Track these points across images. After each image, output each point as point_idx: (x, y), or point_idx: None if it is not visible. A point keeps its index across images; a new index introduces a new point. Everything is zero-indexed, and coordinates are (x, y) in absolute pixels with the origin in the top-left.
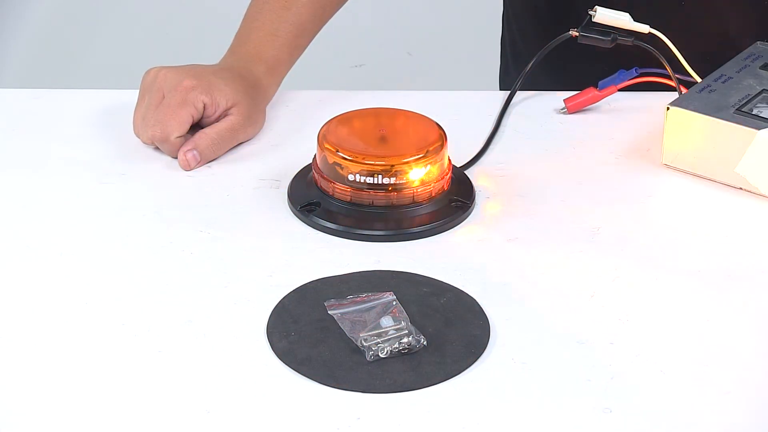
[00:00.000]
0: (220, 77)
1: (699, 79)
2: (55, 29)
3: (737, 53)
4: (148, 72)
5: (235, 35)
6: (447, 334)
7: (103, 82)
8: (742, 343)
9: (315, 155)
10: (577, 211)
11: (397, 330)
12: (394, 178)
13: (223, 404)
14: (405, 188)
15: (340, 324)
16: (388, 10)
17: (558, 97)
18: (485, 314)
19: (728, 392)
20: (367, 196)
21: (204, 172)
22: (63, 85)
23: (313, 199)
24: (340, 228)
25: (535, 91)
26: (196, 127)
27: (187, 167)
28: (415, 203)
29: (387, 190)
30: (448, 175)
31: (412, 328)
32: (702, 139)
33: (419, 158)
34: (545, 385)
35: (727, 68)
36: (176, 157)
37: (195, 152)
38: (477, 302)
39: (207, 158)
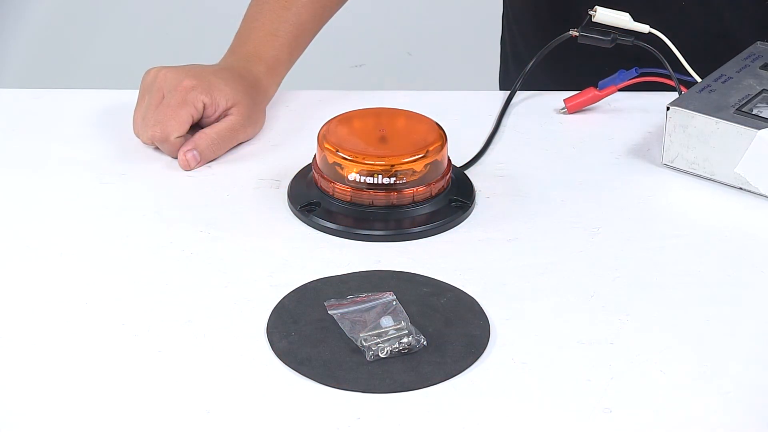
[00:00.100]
0: (220, 77)
1: (699, 79)
2: (55, 29)
3: (737, 53)
4: (148, 72)
5: (235, 35)
6: (447, 334)
7: (103, 82)
8: (742, 343)
9: (315, 155)
10: (577, 211)
11: (397, 330)
12: (394, 178)
13: (223, 404)
14: (405, 188)
15: (340, 324)
16: (388, 10)
17: (558, 97)
18: (485, 314)
19: (728, 392)
20: (367, 196)
21: (204, 172)
22: (63, 85)
23: (313, 199)
24: (340, 228)
25: (535, 91)
26: (196, 127)
27: (187, 167)
28: (415, 203)
29: (387, 190)
30: (448, 175)
31: (412, 328)
32: (702, 139)
33: (419, 158)
34: (545, 385)
35: (727, 68)
36: (176, 157)
37: (195, 152)
38: (477, 302)
39: (207, 158)
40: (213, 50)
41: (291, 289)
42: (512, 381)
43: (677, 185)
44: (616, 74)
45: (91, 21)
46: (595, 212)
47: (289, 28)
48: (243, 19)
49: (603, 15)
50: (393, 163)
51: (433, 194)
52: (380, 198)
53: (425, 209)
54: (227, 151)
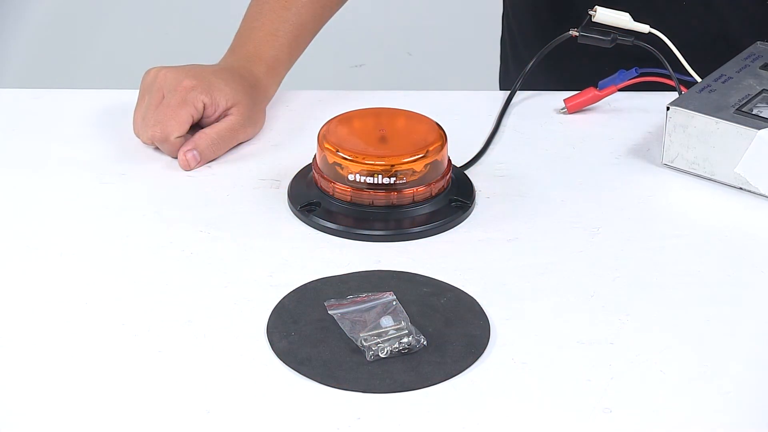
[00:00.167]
0: (220, 77)
1: (699, 79)
2: (55, 29)
3: (737, 53)
4: (148, 72)
5: (235, 35)
6: (447, 334)
7: (103, 82)
8: (742, 343)
9: (315, 155)
10: (577, 211)
11: (397, 330)
12: (394, 178)
13: (223, 404)
14: (405, 188)
15: (340, 324)
16: (388, 10)
17: (558, 97)
18: (485, 314)
19: (728, 392)
20: (367, 196)
21: (204, 172)
22: (63, 85)
23: (313, 199)
24: (340, 228)
25: (535, 91)
26: (196, 127)
27: (187, 167)
28: (415, 203)
29: (387, 190)
30: (448, 175)
31: (412, 328)
32: (702, 139)
33: (419, 158)
34: (545, 385)
35: (727, 68)
36: (176, 157)
37: (195, 152)
38: (477, 302)
39: (207, 158)
40: (213, 50)
41: (291, 289)
42: (512, 381)
43: (677, 185)
44: (616, 74)
45: (91, 21)
46: (595, 212)
47: (289, 28)
48: (243, 19)
49: (603, 15)
50: (393, 163)
51: (433, 194)
52: (380, 198)
53: (425, 209)
54: (227, 151)
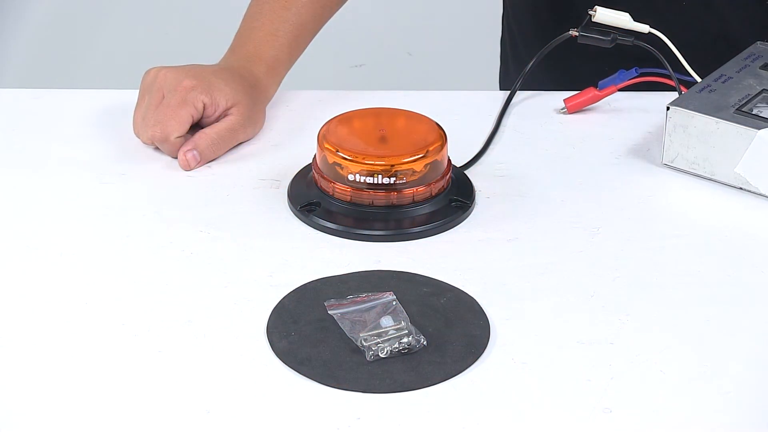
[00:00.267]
0: (220, 77)
1: (699, 79)
2: (55, 29)
3: (737, 53)
4: (148, 72)
5: (235, 35)
6: (447, 334)
7: (103, 82)
8: (742, 343)
9: (315, 155)
10: (577, 211)
11: (397, 330)
12: (394, 178)
13: (223, 404)
14: (405, 188)
15: (340, 324)
16: (388, 10)
17: (558, 97)
18: (485, 314)
19: (728, 392)
20: (367, 196)
21: (204, 172)
22: (63, 85)
23: (313, 199)
24: (340, 228)
25: (535, 91)
26: (196, 127)
27: (187, 167)
28: (415, 203)
29: (387, 190)
30: (448, 175)
31: (412, 328)
32: (702, 139)
33: (419, 158)
34: (545, 385)
35: (727, 68)
36: (176, 157)
37: (195, 152)
38: (477, 302)
39: (207, 158)
40: (213, 50)
41: (291, 289)
42: (512, 381)
43: (677, 185)
44: (616, 74)
45: (91, 21)
46: (595, 212)
47: (289, 28)
48: (243, 19)
49: (603, 15)
50: (393, 163)
51: (433, 194)
52: (380, 198)
53: (425, 209)
54: (227, 151)
